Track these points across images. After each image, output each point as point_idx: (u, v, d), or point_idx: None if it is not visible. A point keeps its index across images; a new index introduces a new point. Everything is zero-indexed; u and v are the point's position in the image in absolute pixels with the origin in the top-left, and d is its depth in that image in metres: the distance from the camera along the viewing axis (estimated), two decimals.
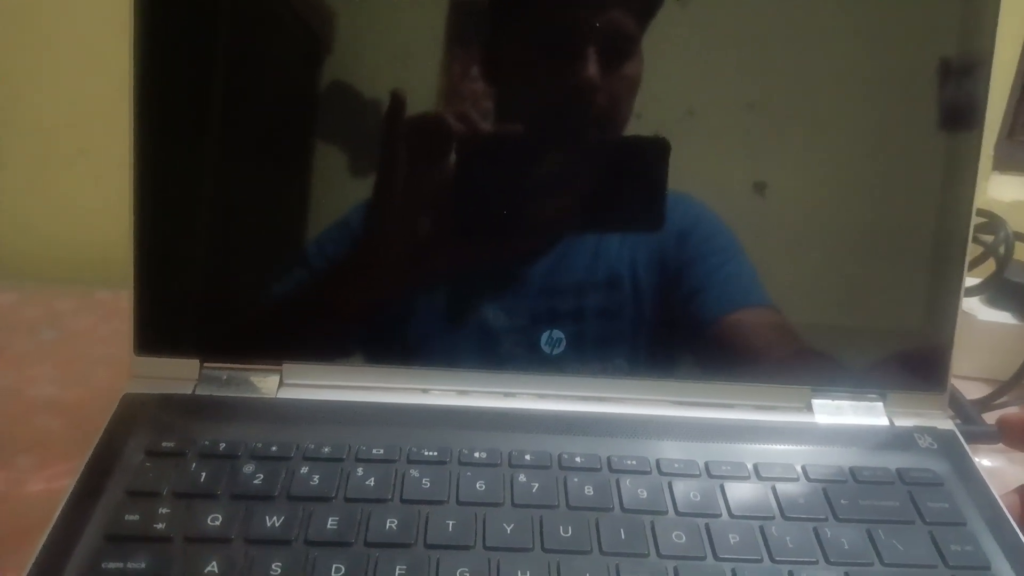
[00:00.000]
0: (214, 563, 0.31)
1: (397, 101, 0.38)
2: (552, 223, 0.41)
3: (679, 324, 0.42)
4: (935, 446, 0.40)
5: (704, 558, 0.33)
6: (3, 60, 0.59)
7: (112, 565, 0.31)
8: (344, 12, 0.38)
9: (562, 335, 0.41)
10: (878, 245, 0.42)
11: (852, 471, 0.38)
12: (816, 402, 0.42)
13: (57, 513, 0.33)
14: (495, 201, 0.40)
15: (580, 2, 0.39)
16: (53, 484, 0.41)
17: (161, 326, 0.40)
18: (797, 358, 0.42)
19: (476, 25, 0.39)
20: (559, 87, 0.39)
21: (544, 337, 0.41)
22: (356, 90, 0.39)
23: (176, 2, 0.38)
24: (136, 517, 0.32)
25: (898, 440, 0.41)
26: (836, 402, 0.42)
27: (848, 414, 0.42)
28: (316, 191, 0.40)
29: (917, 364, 0.42)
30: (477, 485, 0.35)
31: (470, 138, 0.39)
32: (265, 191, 0.40)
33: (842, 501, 0.36)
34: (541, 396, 0.42)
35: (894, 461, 0.39)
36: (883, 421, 0.42)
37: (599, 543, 0.33)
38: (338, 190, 0.40)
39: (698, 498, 0.36)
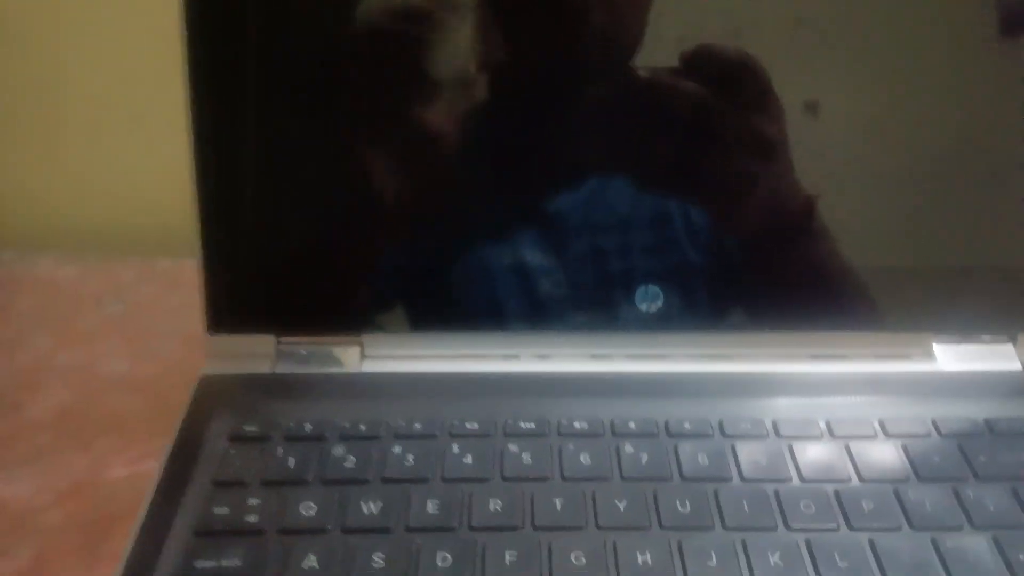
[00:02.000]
0: (312, 557, 0.29)
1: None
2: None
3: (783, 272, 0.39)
4: None
5: (837, 529, 0.30)
6: (51, 29, 0.57)
7: (205, 564, 0.29)
8: None
9: (659, 290, 0.38)
10: (977, 171, 0.37)
11: (988, 423, 0.35)
12: (939, 347, 0.39)
13: (144, 508, 0.31)
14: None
15: None
16: (136, 468, 0.39)
17: (233, 303, 0.37)
18: (916, 301, 0.38)
19: None
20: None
21: (639, 293, 0.38)
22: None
23: None
24: (226, 510, 0.30)
25: None
26: (961, 346, 0.39)
27: (975, 359, 0.38)
28: (384, 150, 0.37)
29: None
30: (581, 459, 0.33)
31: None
32: (330, 152, 0.37)
33: (981, 458, 0.33)
34: (632, 357, 0.39)
35: None
36: (1015, 365, 0.38)
37: (721, 518, 0.30)
38: (408, 149, 0.37)
39: (824, 462, 0.33)
